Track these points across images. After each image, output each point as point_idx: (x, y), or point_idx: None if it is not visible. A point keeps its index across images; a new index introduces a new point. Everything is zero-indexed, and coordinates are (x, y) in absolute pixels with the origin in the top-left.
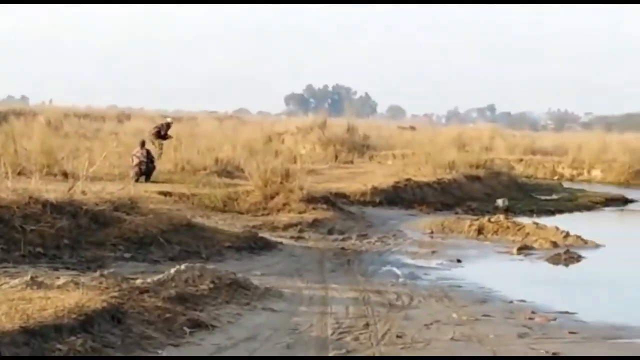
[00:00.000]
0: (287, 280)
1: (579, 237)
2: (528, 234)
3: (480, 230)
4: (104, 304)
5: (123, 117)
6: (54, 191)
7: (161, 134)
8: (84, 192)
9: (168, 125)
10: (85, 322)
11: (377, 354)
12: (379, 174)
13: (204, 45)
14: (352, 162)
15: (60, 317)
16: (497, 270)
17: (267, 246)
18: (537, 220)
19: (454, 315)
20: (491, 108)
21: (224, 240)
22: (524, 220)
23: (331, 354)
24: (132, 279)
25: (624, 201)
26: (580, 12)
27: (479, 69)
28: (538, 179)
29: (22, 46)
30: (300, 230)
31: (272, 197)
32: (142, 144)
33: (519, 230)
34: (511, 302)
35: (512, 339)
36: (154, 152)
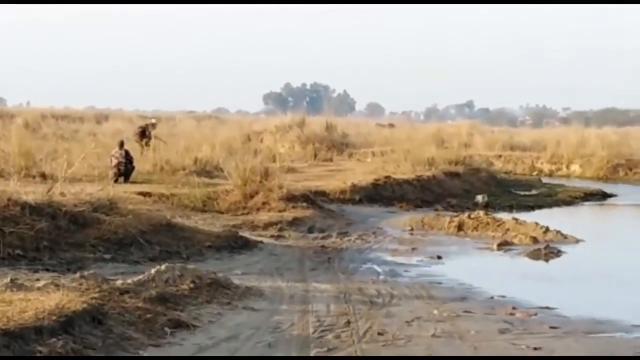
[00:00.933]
0: (268, 279)
1: (558, 232)
2: (508, 229)
3: (460, 227)
4: (85, 305)
5: (101, 117)
6: (32, 193)
7: (146, 134)
8: (62, 194)
9: (153, 126)
10: (66, 323)
11: (358, 352)
12: (358, 172)
13: (182, 44)
14: (331, 160)
15: (41, 318)
16: (477, 266)
17: (247, 245)
18: (516, 215)
19: (435, 311)
20: (470, 104)
21: (204, 240)
22: (504, 216)
23: (313, 352)
24: (113, 279)
25: (602, 195)
26: (559, 9)
27: (457, 65)
28: (517, 175)
29: None
30: (280, 229)
31: (251, 196)
32: (121, 144)
33: (498, 226)
34: (492, 298)
35: (493, 334)
36: (139, 151)
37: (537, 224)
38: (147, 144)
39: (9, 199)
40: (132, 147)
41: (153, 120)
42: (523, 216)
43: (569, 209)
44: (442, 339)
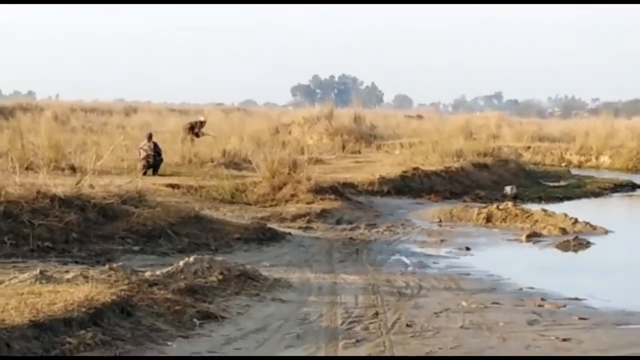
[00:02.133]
0: (296, 271)
1: (587, 223)
2: (537, 221)
3: (488, 218)
4: (113, 297)
5: (130, 110)
6: (61, 185)
7: (194, 131)
8: (91, 186)
9: (202, 124)
10: (95, 315)
11: (387, 343)
12: (386, 164)
13: (210, 37)
14: (359, 152)
15: (70, 310)
16: (506, 257)
17: (275, 237)
18: (545, 207)
19: (463, 303)
20: (498, 96)
21: (232, 231)
22: (533, 207)
23: (341, 344)
24: (141, 271)
25: (632, 186)
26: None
27: (485, 56)
28: (546, 166)
29: (26, 39)
30: (309, 221)
31: (279, 188)
32: (149, 137)
33: (527, 217)
34: (520, 289)
35: (521, 326)
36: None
37: (566, 215)
38: (192, 139)
39: (38, 192)
40: (173, 140)
41: (202, 118)
42: (552, 207)
43: (598, 200)
44: (470, 330)
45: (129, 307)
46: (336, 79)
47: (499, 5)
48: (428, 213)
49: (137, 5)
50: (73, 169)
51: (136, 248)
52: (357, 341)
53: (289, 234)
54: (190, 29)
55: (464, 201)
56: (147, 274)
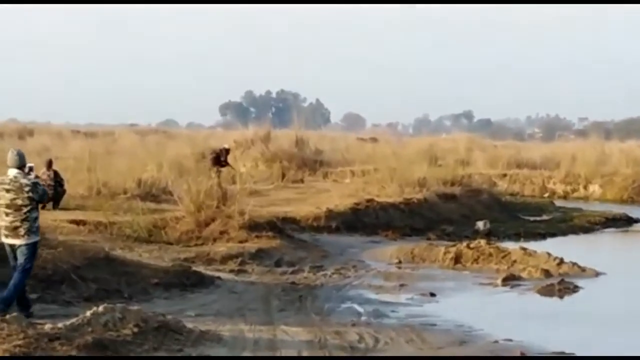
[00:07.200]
0: (227, 322)
1: (575, 264)
2: (515, 261)
3: (457, 259)
4: (6, 354)
5: (24, 132)
6: None
7: (220, 160)
8: None
9: (227, 151)
10: None
11: None
12: (334, 195)
13: (121, 48)
14: (302, 180)
15: None
16: (478, 305)
17: (201, 282)
18: (525, 245)
19: None
20: (468, 115)
21: (150, 276)
22: (510, 245)
23: None
24: (40, 323)
25: (627, 221)
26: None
27: (452, 68)
28: (525, 197)
29: None
30: (242, 263)
31: (206, 224)
32: (49, 164)
33: (503, 257)
34: (496, 342)
35: None
36: (212, 179)
37: (549, 254)
38: (219, 172)
39: None
40: (77, 167)
41: (226, 145)
42: (533, 246)
43: (587, 237)
44: None
45: None
46: (274, 95)
47: (467, 5)
48: (385, 253)
49: (31, 5)
50: None
51: (34, 296)
52: None
53: (218, 278)
54: (95, 35)
55: (428, 239)
56: (47, 326)
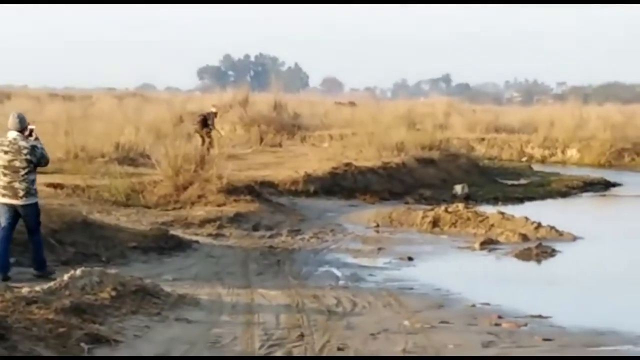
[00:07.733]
0: (205, 286)
1: (552, 228)
2: (492, 225)
3: (435, 223)
4: None
5: (2, 96)
6: None
7: (207, 123)
8: None
9: (215, 114)
10: None
11: None
12: (313, 159)
13: (98, 12)
14: (280, 145)
15: None
16: (456, 268)
17: (179, 246)
18: (503, 209)
19: (406, 322)
20: (446, 79)
21: (127, 239)
22: (488, 209)
23: None
24: (17, 287)
25: (605, 185)
26: None
27: (430, 31)
28: (503, 161)
29: None
30: (220, 227)
31: (184, 188)
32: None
33: (481, 221)
34: (473, 305)
35: (475, 348)
36: (200, 143)
37: (527, 218)
38: (208, 135)
39: None
40: (55, 132)
41: (214, 109)
42: (511, 210)
43: (565, 201)
44: (414, 354)
45: (2, 330)
46: (252, 58)
47: None
48: (363, 217)
49: None
50: None
51: (11, 260)
52: None
53: (196, 242)
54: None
55: (406, 203)
56: (25, 290)
